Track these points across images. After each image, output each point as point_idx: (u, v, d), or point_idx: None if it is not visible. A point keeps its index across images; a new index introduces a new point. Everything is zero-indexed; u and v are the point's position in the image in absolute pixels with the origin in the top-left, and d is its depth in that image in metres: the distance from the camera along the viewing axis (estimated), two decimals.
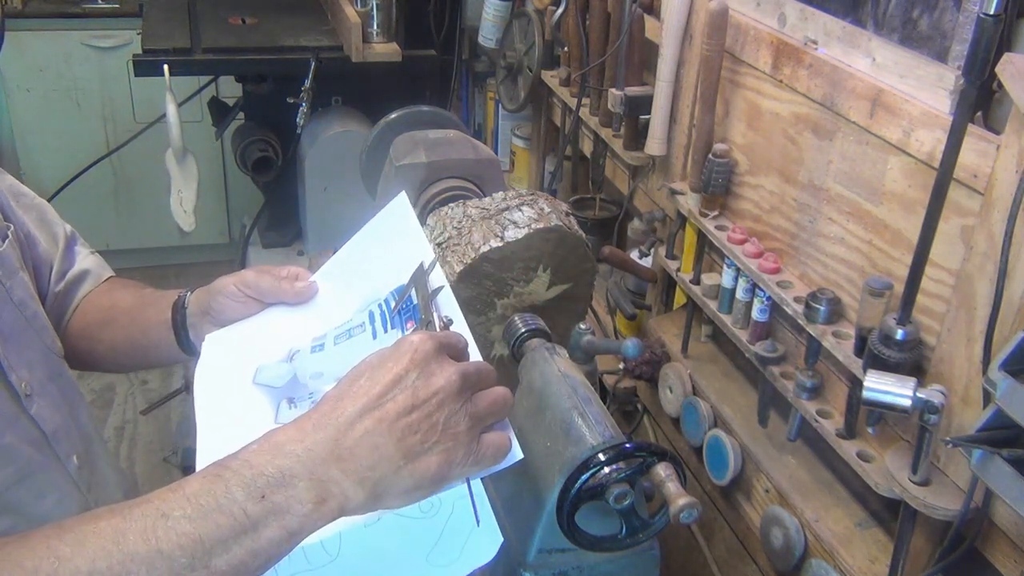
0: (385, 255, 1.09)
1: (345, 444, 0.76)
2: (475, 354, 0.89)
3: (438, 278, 1.01)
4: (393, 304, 0.99)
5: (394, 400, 0.77)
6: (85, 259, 1.30)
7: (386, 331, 0.98)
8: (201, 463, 0.88)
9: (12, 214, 1.17)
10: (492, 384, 0.84)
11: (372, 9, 2.47)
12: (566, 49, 2.08)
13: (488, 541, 0.88)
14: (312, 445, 0.75)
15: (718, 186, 1.48)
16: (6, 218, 1.15)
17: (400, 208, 1.11)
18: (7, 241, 1.10)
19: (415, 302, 0.98)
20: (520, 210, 1.33)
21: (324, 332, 1.04)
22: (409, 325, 0.96)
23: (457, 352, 0.84)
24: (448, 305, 0.97)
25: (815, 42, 1.27)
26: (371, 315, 1.01)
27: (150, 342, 1.22)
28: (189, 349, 1.19)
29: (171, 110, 2.38)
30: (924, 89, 1.08)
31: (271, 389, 1.02)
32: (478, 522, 0.85)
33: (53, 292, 1.25)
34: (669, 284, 1.75)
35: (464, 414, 0.79)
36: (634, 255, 1.83)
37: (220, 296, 1.13)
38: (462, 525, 0.88)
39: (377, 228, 1.12)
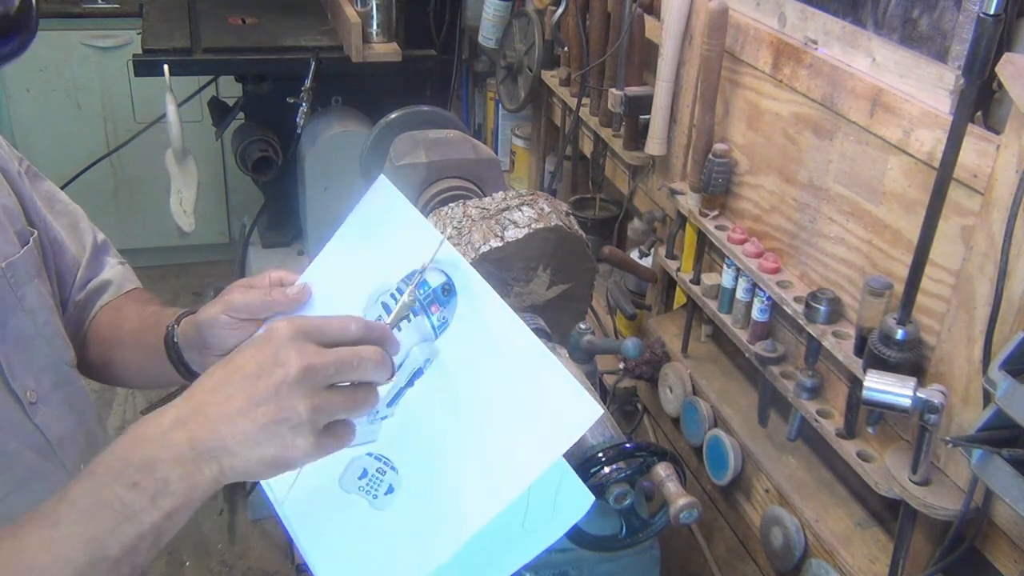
0: (380, 243, 1.04)
1: (194, 428, 0.81)
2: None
3: (447, 256, 0.97)
4: (407, 291, 0.96)
5: (236, 391, 0.81)
6: (111, 269, 1.27)
7: (410, 320, 0.96)
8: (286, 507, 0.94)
9: (40, 220, 1.15)
10: (364, 374, 0.84)
11: (372, 9, 2.48)
12: (566, 49, 2.08)
13: (577, 499, 0.89)
14: (169, 428, 0.81)
15: (718, 186, 1.48)
16: (31, 223, 1.13)
17: (383, 192, 1.05)
18: (26, 248, 1.08)
19: (431, 285, 0.95)
20: (520, 210, 1.33)
21: None
22: (434, 309, 0.95)
23: (332, 337, 0.84)
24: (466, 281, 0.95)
25: (815, 42, 1.27)
26: (386, 306, 0.98)
27: (155, 368, 1.18)
28: (194, 377, 1.14)
29: (171, 110, 2.38)
30: (924, 89, 1.08)
31: None
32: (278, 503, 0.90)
33: (74, 300, 1.23)
34: (669, 284, 1.75)
35: (304, 408, 0.80)
36: (634, 255, 1.83)
37: (213, 330, 1.08)
38: (546, 491, 0.89)
39: (362, 218, 1.07)
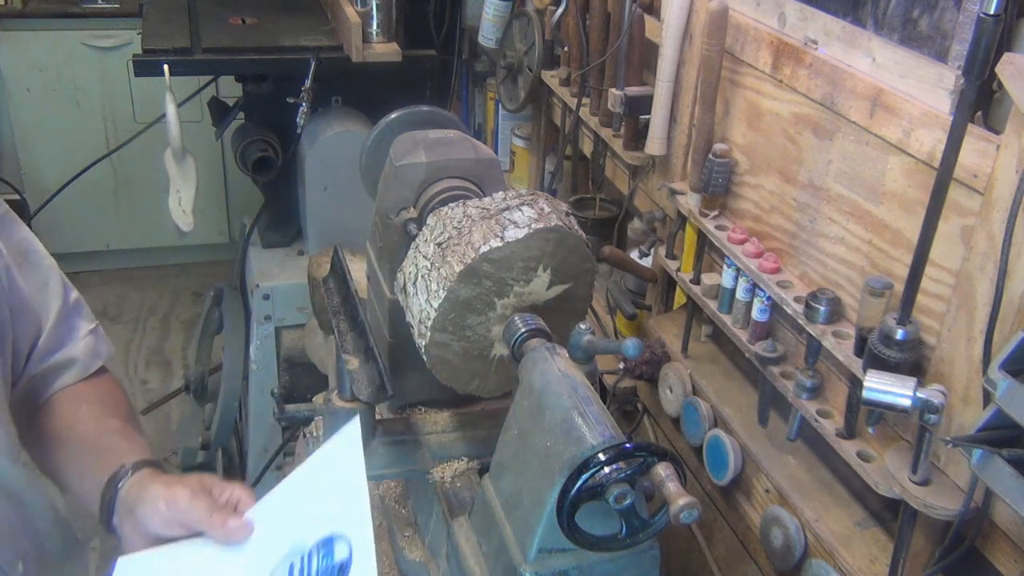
0: (319, 499, 1.07)
1: None
2: None
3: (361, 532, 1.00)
4: (314, 561, 0.99)
5: None
6: (77, 344, 1.19)
7: None
8: None
9: (4, 280, 1.07)
10: None
11: (372, 9, 2.47)
12: (566, 49, 2.08)
13: None
14: None
15: (718, 186, 1.48)
16: None
17: (348, 439, 1.08)
18: None
19: (335, 559, 0.97)
20: (520, 210, 1.33)
21: None
22: None
23: None
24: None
25: (815, 42, 1.27)
26: (291, 568, 1.00)
27: (83, 490, 1.13)
28: (108, 527, 1.10)
29: (171, 110, 2.38)
30: (924, 89, 1.08)
31: None
32: None
33: (29, 375, 1.16)
34: (669, 284, 1.75)
35: None
36: (634, 255, 1.83)
37: (148, 507, 1.05)
38: None
39: (322, 460, 1.10)
